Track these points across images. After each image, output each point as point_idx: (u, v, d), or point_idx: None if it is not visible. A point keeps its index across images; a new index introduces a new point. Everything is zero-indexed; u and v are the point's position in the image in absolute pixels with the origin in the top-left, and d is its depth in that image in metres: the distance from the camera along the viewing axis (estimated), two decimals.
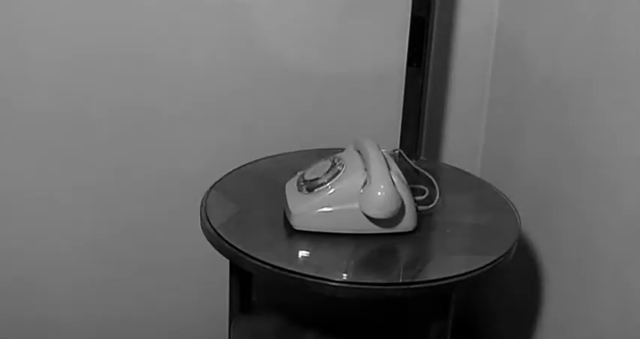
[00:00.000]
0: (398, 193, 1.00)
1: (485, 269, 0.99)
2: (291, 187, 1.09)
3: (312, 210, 1.03)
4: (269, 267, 0.97)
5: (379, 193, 0.99)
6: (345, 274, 0.97)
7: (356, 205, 1.01)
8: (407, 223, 1.04)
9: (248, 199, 1.14)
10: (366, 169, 1.03)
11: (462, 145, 1.51)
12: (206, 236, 1.07)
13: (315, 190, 1.04)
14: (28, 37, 1.25)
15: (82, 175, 1.37)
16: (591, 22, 1.10)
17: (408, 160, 1.30)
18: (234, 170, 1.23)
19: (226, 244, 1.02)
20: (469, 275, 0.97)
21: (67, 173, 1.36)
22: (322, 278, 0.95)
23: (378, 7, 1.35)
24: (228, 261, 1.14)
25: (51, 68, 1.27)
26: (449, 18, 1.39)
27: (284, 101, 1.38)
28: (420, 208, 1.09)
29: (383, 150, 1.06)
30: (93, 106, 1.32)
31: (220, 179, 1.20)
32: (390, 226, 1.03)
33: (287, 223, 1.05)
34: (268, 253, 0.99)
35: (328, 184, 1.04)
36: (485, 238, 1.09)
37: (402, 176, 1.05)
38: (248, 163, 1.25)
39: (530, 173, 1.33)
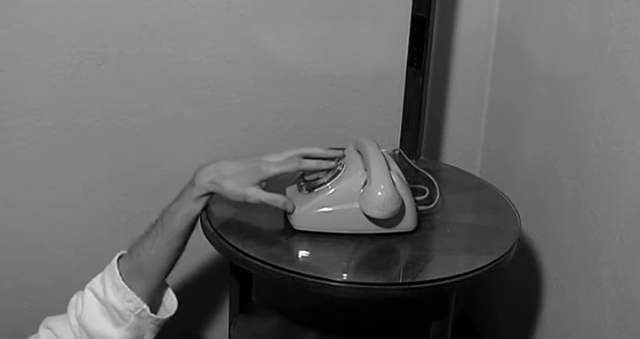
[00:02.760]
0: (398, 193, 1.00)
1: (485, 269, 0.99)
2: (291, 187, 1.09)
3: (312, 210, 1.03)
4: (269, 267, 0.97)
5: (379, 193, 0.99)
6: (345, 274, 0.97)
7: (356, 205, 1.01)
8: (407, 223, 1.04)
9: None
10: (366, 169, 1.03)
11: (462, 145, 1.51)
12: (206, 236, 1.07)
13: (315, 190, 1.04)
14: (28, 37, 1.25)
15: (82, 175, 1.37)
16: (591, 22, 1.10)
17: (408, 160, 1.30)
18: None
19: (226, 244, 1.02)
20: (469, 275, 0.97)
21: (67, 173, 1.36)
22: (322, 278, 0.95)
23: (378, 7, 1.35)
24: (228, 261, 1.14)
25: (51, 68, 1.27)
26: (449, 18, 1.39)
27: (284, 101, 1.38)
28: (420, 208, 1.09)
29: (383, 150, 1.06)
30: (93, 106, 1.32)
31: None
32: (390, 226, 1.03)
33: (287, 223, 1.05)
34: (268, 253, 0.99)
35: (328, 184, 1.04)
36: (486, 238, 1.09)
37: (402, 176, 1.05)
38: None
39: (530, 173, 1.33)
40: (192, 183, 1.04)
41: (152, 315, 1.05)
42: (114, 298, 1.02)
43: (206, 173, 1.03)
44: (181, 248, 1.06)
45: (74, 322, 1.05)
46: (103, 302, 1.03)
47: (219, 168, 1.03)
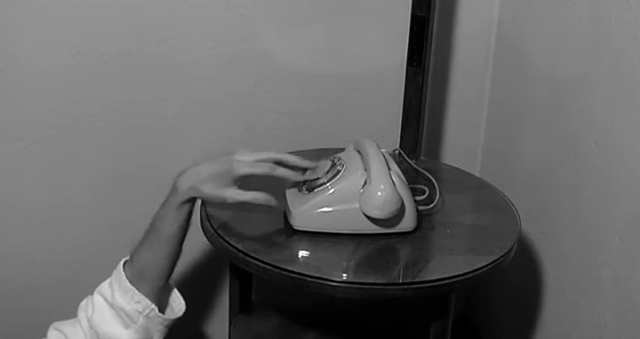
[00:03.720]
0: (398, 193, 1.00)
1: (485, 269, 0.99)
2: (291, 187, 1.09)
3: (312, 210, 1.03)
4: (269, 267, 0.97)
5: (379, 193, 0.99)
6: (345, 274, 0.97)
7: (356, 205, 1.01)
8: (407, 223, 1.04)
9: None
10: (366, 169, 1.03)
11: (462, 144, 1.51)
12: (206, 236, 1.07)
13: (315, 190, 1.04)
14: (28, 37, 1.25)
15: (82, 175, 1.37)
16: (591, 22, 1.10)
17: (408, 160, 1.30)
18: None
19: (226, 244, 1.02)
20: (469, 275, 0.97)
21: (67, 173, 1.36)
22: (322, 278, 0.95)
23: (378, 7, 1.35)
24: (228, 261, 1.14)
25: (51, 68, 1.27)
26: (449, 17, 1.39)
27: (284, 101, 1.38)
28: (420, 208, 1.09)
29: (383, 150, 1.06)
30: (93, 106, 1.32)
31: None
32: (390, 226, 1.03)
33: (287, 223, 1.05)
34: (268, 253, 0.99)
35: (328, 184, 1.04)
36: (486, 238, 1.09)
37: (402, 176, 1.05)
38: None
39: (530, 173, 1.33)
40: (174, 189, 1.03)
41: (160, 315, 1.05)
42: (121, 300, 1.03)
43: (185, 179, 1.02)
44: (177, 251, 1.06)
45: (85, 324, 1.06)
46: (112, 305, 1.04)
47: (196, 172, 1.02)
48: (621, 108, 1.03)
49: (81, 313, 1.07)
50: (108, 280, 1.07)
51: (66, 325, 1.07)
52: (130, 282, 1.04)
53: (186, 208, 1.03)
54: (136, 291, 1.03)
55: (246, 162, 1.02)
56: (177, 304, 1.10)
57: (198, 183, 1.01)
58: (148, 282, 1.04)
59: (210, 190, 1.01)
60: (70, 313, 1.10)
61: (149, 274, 1.04)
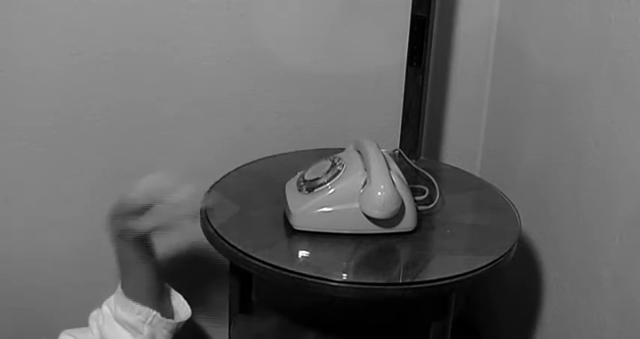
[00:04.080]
0: (398, 193, 1.00)
1: (485, 269, 0.99)
2: (291, 187, 1.09)
3: (312, 210, 1.03)
4: (269, 267, 0.97)
5: (379, 193, 0.99)
6: (345, 274, 0.97)
7: (356, 205, 1.01)
8: (407, 223, 1.04)
9: (248, 199, 1.14)
10: (366, 169, 1.03)
11: (462, 144, 1.51)
12: (206, 236, 1.07)
13: (315, 190, 1.04)
14: (28, 37, 1.25)
15: (82, 175, 1.37)
16: (591, 22, 1.10)
17: (408, 160, 1.30)
18: (234, 170, 1.23)
19: (226, 244, 1.02)
20: (469, 275, 0.97)
21: (67, 173, 1.36)
22: (322, 278, 0.95)
23: (378, 7, 1.35)
24: (228, 261, 1.14)
25: (51, 68, 1.27)
26: (449, 17, 1.39)
27: (284, 101, 1.38)
28: (420, 208, 1.09)
29: (383, 150, 1.06)
30: (93, 106, 1.32)
31: (220, 179, 1.20)
32: (390, 226, 1.03)
33: (287, 223, 1.05)
34: (268, 253, 0.99)
35: (328, 184, 1.04)
36: (486, 238, 1.09)
37: (402, 176, 1.05)
38: (248, 163, 1.25)
39: (530, 173, 1.33)
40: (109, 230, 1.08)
41: (164, 319, 1.08)
42: (123, 313, 1.06)
43: (111, 222, 1.08)
44: (154, 271, 1.09)
45: (96, 332, 1.09)
46: (116, 319, 1.08)
47: (111, 215, 1.08)
48: (621, 108, 1.03)
49: (92, 322, 1.11)
50: (113, 296, 1.10)
51: (78, 332, 1.11)
52: (127, 297, 1.07)
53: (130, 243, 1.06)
54: (135, 304, 1.06)
55: (132, 198, 1.05)
56: (185, 311, 1.13)
57: (119, 225, 1.06)
58: (141, 297, 1.07)
59: (130, 226, 1.05)
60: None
61: (139, 293, 1.08)
